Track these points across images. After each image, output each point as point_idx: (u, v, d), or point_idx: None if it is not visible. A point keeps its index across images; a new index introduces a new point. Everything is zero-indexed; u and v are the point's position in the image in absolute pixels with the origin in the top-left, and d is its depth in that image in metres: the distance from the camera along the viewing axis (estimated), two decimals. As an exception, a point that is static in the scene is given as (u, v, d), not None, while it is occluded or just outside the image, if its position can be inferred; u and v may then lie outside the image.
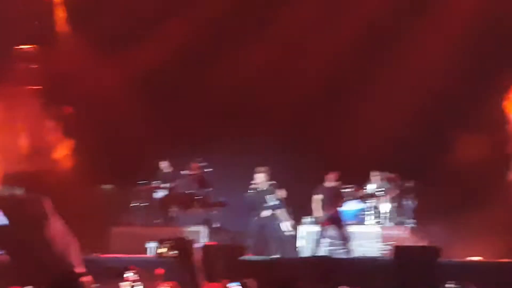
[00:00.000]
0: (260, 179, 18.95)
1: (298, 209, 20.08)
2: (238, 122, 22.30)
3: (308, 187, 19.29)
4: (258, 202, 18.93)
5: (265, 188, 18.93)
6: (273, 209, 18.97)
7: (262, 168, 19.00)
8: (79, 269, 3.15)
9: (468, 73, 20.35)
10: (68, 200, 20.81)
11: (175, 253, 4.43)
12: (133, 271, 12.16)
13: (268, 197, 18.89)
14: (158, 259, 4.38)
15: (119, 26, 21.64)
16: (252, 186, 19.06)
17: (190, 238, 4.24)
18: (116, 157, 21.73)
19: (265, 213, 18.93)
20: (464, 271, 15.61)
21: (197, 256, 4.35)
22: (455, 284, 6.58)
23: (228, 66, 21.90)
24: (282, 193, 19.47)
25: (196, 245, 4.29)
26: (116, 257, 18.76)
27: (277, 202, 18.89)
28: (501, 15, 20.17)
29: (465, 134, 19.62)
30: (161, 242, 4.48)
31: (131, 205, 21.51)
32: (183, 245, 4.45)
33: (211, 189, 20.96)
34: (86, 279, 3.05)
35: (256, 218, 19.03)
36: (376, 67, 21.54)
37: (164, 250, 4.44)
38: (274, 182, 19.01)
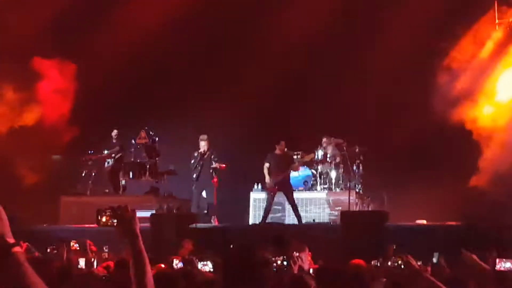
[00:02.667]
0: (203, 146, 18.97)
1: (248, 177, 20.24)
2: (188, 90, 22.31)
3: (259, 155, 19.30)
4: (201, 168, 18.94)
5: (207, 155, 18.93)
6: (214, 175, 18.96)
7: (205, 136, 19.02)
8: (10, 239, 3.10)
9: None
10: (17, 171, 20.76)
11: (115, 222, 4.45)
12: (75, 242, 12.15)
13: (210, 162, 18.90)
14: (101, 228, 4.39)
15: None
16: (195, 153, 19.08)
17: (131, 206, 4.22)
18: (65, 127, 21.59)
19: (206, 178, 18.93)
20: (410, 234, 15.86)
21: (139, 225, 4.37)
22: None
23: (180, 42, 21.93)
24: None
25: (139, 213, 4.29)
26: (65, 227, 18.75)
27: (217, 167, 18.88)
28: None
29: (413, 99, 19.73)
30: (100, 212, 4.49)
31: (81, 174, 21.45)
32: (122, 214, 4.46)
33: (159, 158, 20.99)
34: (18, 249, 3.06)
35: (195, 184, 19.08)
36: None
37: (104, 219, 4.46)
38: (214, 150, 19.04)
